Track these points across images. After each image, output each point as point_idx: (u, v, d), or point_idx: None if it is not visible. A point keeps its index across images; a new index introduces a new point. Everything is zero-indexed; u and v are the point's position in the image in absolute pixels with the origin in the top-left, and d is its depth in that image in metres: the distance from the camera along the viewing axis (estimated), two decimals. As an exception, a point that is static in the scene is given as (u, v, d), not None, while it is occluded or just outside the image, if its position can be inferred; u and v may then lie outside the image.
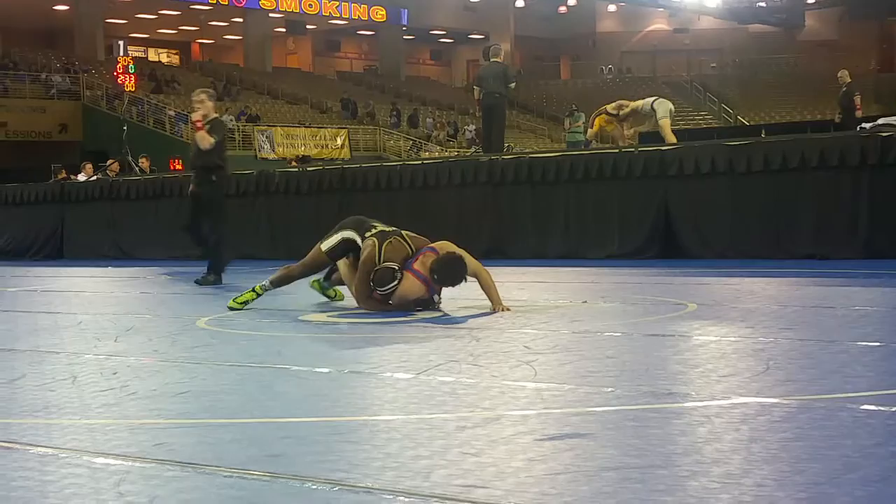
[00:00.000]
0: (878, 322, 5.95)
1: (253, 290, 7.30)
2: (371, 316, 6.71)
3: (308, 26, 51.32)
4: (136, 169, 19.98)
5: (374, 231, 6.92)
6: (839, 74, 19.62)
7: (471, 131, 39.38)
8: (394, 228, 7.04)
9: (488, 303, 6.81)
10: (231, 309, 7.23)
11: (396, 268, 6.67)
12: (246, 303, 7.27)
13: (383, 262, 6.69)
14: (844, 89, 19.31)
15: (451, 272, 6.61)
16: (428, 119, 44.08)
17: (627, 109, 15.08)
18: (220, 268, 9.89)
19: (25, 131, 34.69)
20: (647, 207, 11.63)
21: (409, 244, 6.84)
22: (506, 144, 17.46)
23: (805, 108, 44.43)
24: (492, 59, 15.12)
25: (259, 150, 31.41)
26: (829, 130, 17.54)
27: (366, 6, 49.51)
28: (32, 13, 42.77)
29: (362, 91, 47.85)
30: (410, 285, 6.68)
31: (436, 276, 6.63)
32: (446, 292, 7.00)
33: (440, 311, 6.81)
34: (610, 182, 11.91)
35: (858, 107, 18.69)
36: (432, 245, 6.84)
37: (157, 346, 5.68)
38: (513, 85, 15.05)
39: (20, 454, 3.23)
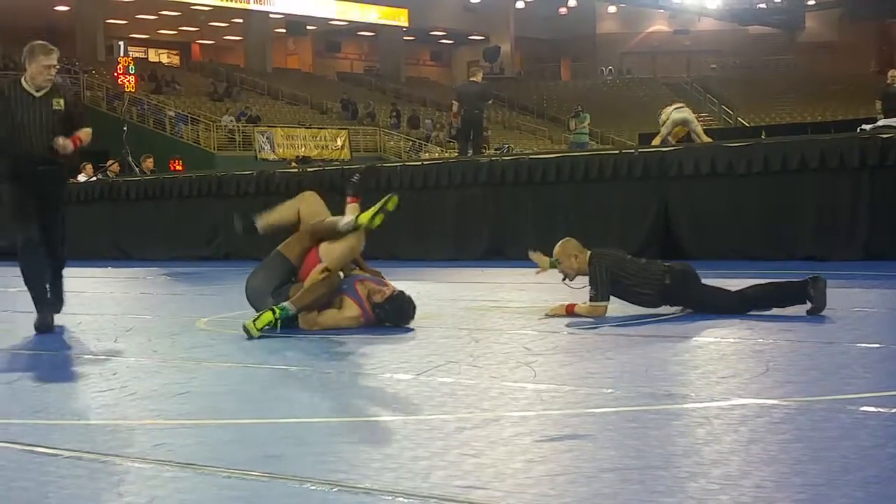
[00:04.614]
0: (877, 323, 5.96)
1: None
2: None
3: (308, 27, 51.32)
4: (136, 170, 19.95)
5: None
6: (890, 73, 18.51)
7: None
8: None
9: (487, 304, 6.78)
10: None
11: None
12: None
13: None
14: None
15: (402, 314, 6.09)
16: (428, 120, 44.07)
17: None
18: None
19: (25, 132, 34.62)
20: (647, 208, 11.62)
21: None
22: (505, 145, 18.04)
23: (805, 109, 44.44)
24: (470, 80, 16.04)
25: (259, 151, 31.44)
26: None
27: (366, 7, 49.53)
28: (33, 13, 42.76)
29: (362, 92, 47.86)
30: (350, 312, 6.10)
31: (384, 316, 6.07)
32: (444, 291, 6.98)
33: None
34: (610, 183, 11.90)
35: None
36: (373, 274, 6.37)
37: (157, 347, 5.68)
38: (489, 102, 16.48)
39: (20, 455, 3.23)
